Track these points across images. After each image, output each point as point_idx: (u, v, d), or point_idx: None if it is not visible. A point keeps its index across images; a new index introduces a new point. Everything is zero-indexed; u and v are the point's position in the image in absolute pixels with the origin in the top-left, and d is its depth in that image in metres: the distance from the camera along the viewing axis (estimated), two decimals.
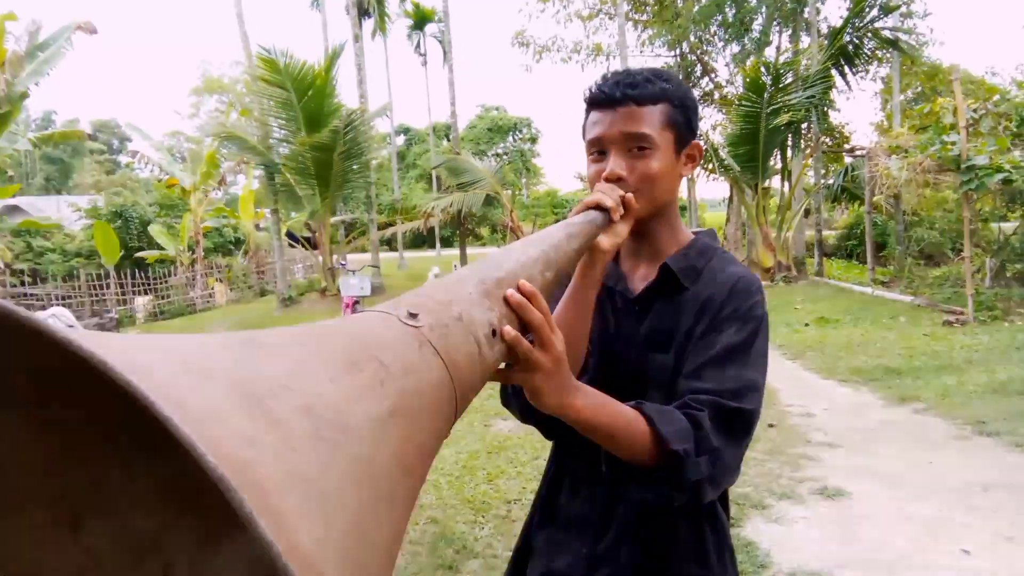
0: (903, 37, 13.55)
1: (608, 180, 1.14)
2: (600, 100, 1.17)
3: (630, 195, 1.11)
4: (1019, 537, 3.55)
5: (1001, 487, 4.13)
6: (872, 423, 5.52)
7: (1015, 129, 9.53)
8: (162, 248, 18.72)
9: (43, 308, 5.76)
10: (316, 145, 13.97)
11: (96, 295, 17.07)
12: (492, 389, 4.52)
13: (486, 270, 0.83)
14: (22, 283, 17.78)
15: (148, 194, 23.20)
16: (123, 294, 17.33)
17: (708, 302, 1.17)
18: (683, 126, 1.19)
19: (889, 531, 3.71)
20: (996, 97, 10.24)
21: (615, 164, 1.14)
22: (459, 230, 18.19)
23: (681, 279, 1.20)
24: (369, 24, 24.25)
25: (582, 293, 1.13)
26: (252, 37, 14.91)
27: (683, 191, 31.37)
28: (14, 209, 25.55)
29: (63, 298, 16.36)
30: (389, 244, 30.37)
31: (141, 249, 19.04)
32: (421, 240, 34.81)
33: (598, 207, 1.07)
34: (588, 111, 1.21)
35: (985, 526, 3.69)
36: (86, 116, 76.01)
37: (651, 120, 1.15)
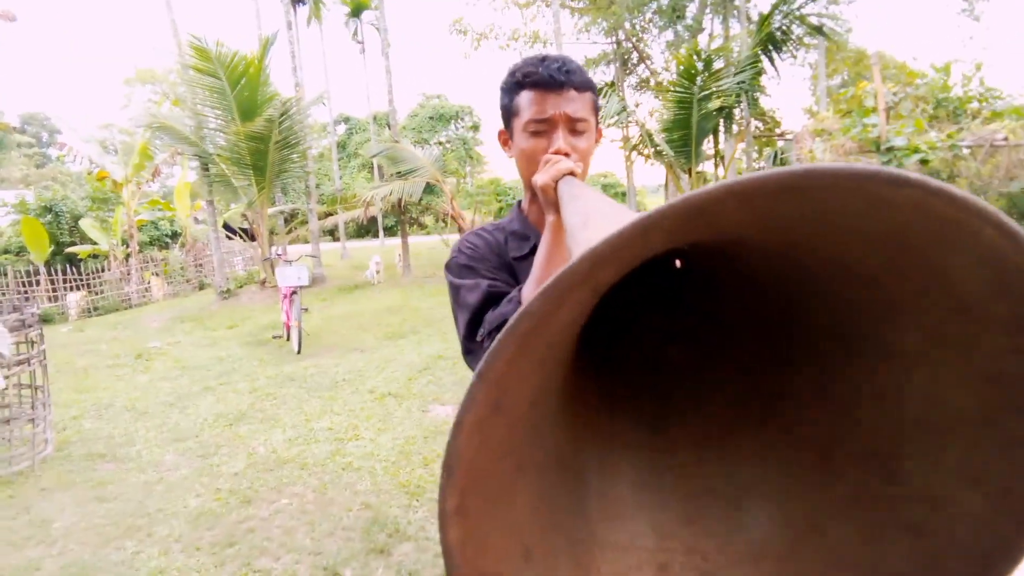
0: (828, 23, 13.93)
1: (556, 154, 1.25)
2: (546, 82, 1.31)
3: (579, 164, 1.23)
4: None
5: None
6: None
7: (932, 111, 9.94)
8: (95, 243, 18.19)
9: None
10: (251, 135, 13.72)
11: (26, 292, 16.52)
12: (431, 375, 4.64)
13: None
14: None
15: (81, 188, 22.45)
16: (54, 290, 16.81)
17: None
18: (598, 112, 1.39)
19: None
20: (918, 81, 10.65)
21: (564, 142, 1.29)
22: (400, 219, 18.10)
23: None
24: (304, 11, 23.85)
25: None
26: (182, 25, 14.52)
27: (621, 177, 31.67)
28: None
29: None
30: (332, 234, 30.04)
31: (73, 244, 18.45)
32: (365, 230, 34.48)
33: (572, 174, 1.17)
34: (523, 89, 1.34)
35: None
36: (14, 109, 72.90)
37: (586, 105, 1.33)
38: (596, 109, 1.37)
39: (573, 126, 1.31)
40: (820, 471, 0.69)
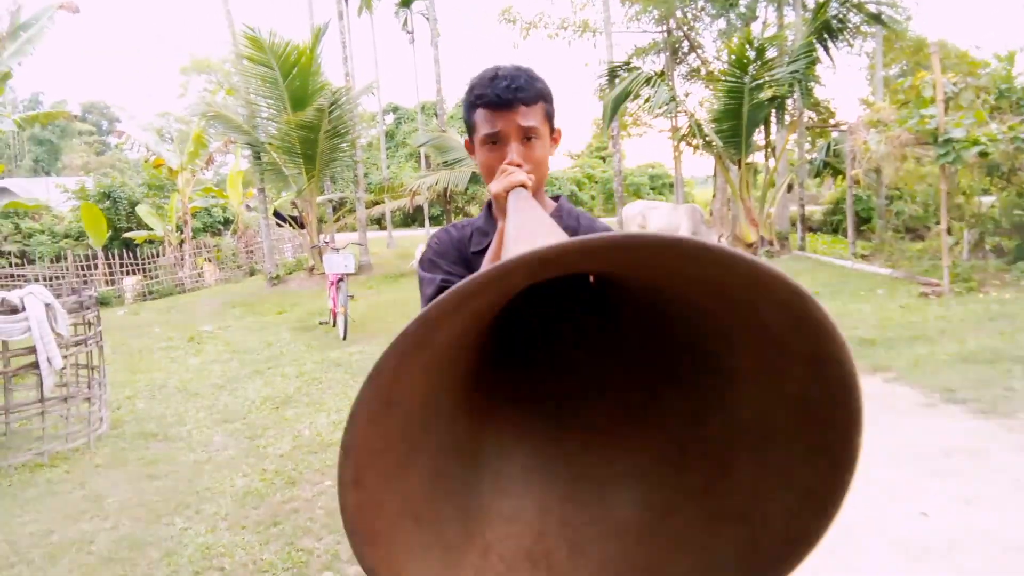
0: (886, 11, 13.53)
1: (509, 165, 1.38)
2: (496, 103, 1.41)
3: (531, 176, 1.36)
4: (977, 499, 3.65)
5: (963, 452, 4.24)
6: None
7: (993, 102, 9.58)
8: (150, 228, 18.69)
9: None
10: (301, 124, 13.94)
11: (84, 276, 17.07)
12: None
13: None
14: (10, 264, 17.74)
15: (138, 175, 23.10)
16: (111, 274, 17.33)
17: None
18: (552, 117, 1.49)
19: (850, 495, 3.81)
20: (980, 71, 10.27)
21: (515, 152, 1.40)
22: (446, 208, 18.20)
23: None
24: (355, 1, 24.04)
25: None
26: (236, 15, 14.80)
27: (669, 167, 31.35)
28: (2, 191, 25.42)
29: (51, 279, 16.34)
30: (379, 223, 30.31)
31: (130, 230, 18.99)
32: (411, 219, 34.70)
33: (523, 186, 1.29)
34: (477, 108, 1.45)
35: (945, 490, 3.79)
36: (76, 97, 75.16)
37: (536, 116, 1.43)
38: (548, 116, 1.47)
39: (524, 136, 1.42)
40: (677, 463, 0.82)
